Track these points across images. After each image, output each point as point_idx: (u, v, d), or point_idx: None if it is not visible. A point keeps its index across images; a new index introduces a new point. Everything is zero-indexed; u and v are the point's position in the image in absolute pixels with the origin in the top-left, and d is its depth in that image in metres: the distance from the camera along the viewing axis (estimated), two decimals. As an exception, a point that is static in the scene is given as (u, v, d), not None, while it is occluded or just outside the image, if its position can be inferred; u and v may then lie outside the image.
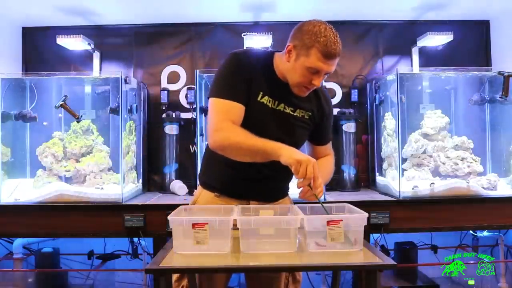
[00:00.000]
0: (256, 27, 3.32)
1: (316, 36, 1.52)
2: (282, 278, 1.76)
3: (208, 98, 1.64)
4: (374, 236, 2.71)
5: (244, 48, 2.98)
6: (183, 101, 3.31)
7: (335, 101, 3.29)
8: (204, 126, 2.88)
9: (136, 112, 3.01)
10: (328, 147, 1.87)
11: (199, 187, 1.83)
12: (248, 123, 1.61)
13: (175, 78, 3.34)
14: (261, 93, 1.63)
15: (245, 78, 1.61)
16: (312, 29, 1.53)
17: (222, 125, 1.56)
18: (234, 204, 1.65)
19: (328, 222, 1.40)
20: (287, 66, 1.61)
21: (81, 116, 2.79)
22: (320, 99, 1.76)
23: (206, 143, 1.78)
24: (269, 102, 1.64)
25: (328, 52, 1.52)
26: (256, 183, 1.71)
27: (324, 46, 1.51)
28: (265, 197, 1.74)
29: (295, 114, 1.69)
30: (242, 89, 1.60)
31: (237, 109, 1.59)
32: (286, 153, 1.47)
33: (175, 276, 1.70)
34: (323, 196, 2.63)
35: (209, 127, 1.60)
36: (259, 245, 1.42)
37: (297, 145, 1.76)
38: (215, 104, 1.60)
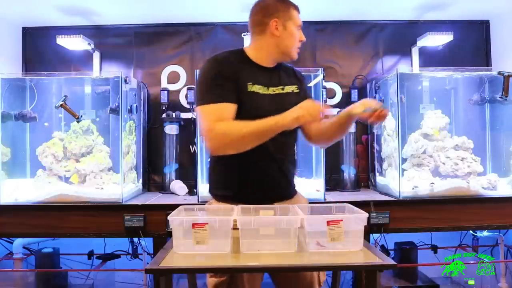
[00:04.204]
0: (256, 27, 3.31)
1: (283, 0, 1.72)
2: (312, 278, 1.74)
3: (195, 108, 1.66)
4: (374, 236, 2.71)
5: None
6: (183, 101, 3.31)
7: (335, 101, 3.29)
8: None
9: (136, 112, 3.01)
10: None
11: (214, 202, 1.78)
12: (248, 114, 1.63)
13: (175, 78, 3.34)
14: (250, 83, 1.67)
15: (230, 75, 1.65)
16: None
17: (214, 127, 1.58)
18: None
19: (328, 222, 1.40)
20: (276, 41, 1.70)
21: (81, 116, 2.79)
22: (295, 73, 1.87)
23: (210, 155, 1.78)
24: (260, 89, 1.69)
25: (297, 6, 1.75)
26: (272, 179, 1.72)
27: (293, 4, 1.74)
28: (282, 195, 1.76)
29: (285, 91, 1.75)
30: (229, 87, 1.63)
31: (227, 108, 1.61)
32: (288, 119, 1.56)
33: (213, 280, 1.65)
34: (323, 195, 2.66)
35: (204, 135, 1.61)
36: (259, 245, 1.42)
37: None
38: (203, 111, 1.63)
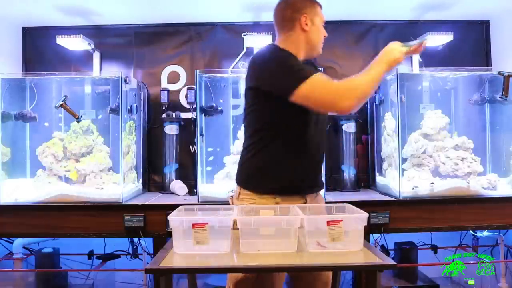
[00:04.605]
0: (256, 27, 3.32)
1: None
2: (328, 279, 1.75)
3: (291, 90, 1.55)
4: (374, 236, 2.71)
5: (245, 47, 2.98)
6: (183, 101, 3.31)
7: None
8: (204, 126, 2.88)
9: (136, 112, 3.01)
10: None
11: (247, 198, 1.70)
12: None
13: (175, 78, 3.34)
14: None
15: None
16: None
17: (339, 86, 1.58)
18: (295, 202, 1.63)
19: (328, 222, 1.40)
20: (306, 36, 1.73)
21: (81, 116, 2.79)
22: (314, 64, 1.92)
23: (245, 149, 1.73)
24: None
25: (320, 3, 1.78)
26: (319, 167, 1.79)
27: (317, 1, 1.77)
28: (321, 184, 1.82)
29: None
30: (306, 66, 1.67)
31: (326, 76, 1.63)
32: (391, 62, 1.69)
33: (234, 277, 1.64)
34: (324, 196, 2.66)
35: (332, 100, 1.56)
36: (259, 245, 1.42)
37: None
38: (311, 84, 1.56)
